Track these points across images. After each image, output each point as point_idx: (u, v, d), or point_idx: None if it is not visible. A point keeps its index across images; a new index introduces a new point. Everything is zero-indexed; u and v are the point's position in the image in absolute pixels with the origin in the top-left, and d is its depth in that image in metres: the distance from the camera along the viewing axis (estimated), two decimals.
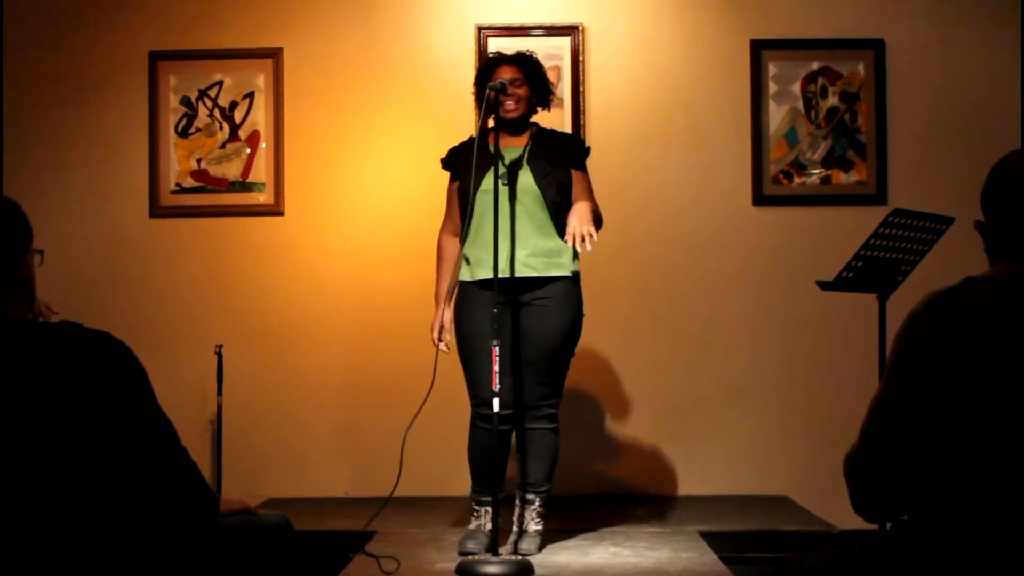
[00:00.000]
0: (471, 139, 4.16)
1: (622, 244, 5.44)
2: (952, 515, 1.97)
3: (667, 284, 5.51)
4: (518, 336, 4.05)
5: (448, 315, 4.10)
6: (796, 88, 5.51)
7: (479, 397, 4.06)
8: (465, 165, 4.02)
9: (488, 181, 3.99)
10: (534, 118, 4.24)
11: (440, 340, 4.10)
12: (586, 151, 4.24)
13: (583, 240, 3.88)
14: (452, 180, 4.23)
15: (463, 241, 4.07)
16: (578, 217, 3.95)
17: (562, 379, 4.15)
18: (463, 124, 4.28)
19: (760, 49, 5.52)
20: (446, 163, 4.25)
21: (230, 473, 5.26)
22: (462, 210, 4.06)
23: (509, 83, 4.08)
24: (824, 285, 4.23)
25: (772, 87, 5.52)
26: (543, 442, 4.11)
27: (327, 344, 5.52)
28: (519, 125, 4.17)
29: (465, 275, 4.10)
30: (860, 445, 2.08)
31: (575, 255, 4.10)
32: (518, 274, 4.00)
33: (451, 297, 4.15)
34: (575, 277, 4.12)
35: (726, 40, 5.54)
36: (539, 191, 4.05)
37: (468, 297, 4.07)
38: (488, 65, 4.23)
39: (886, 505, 2.07)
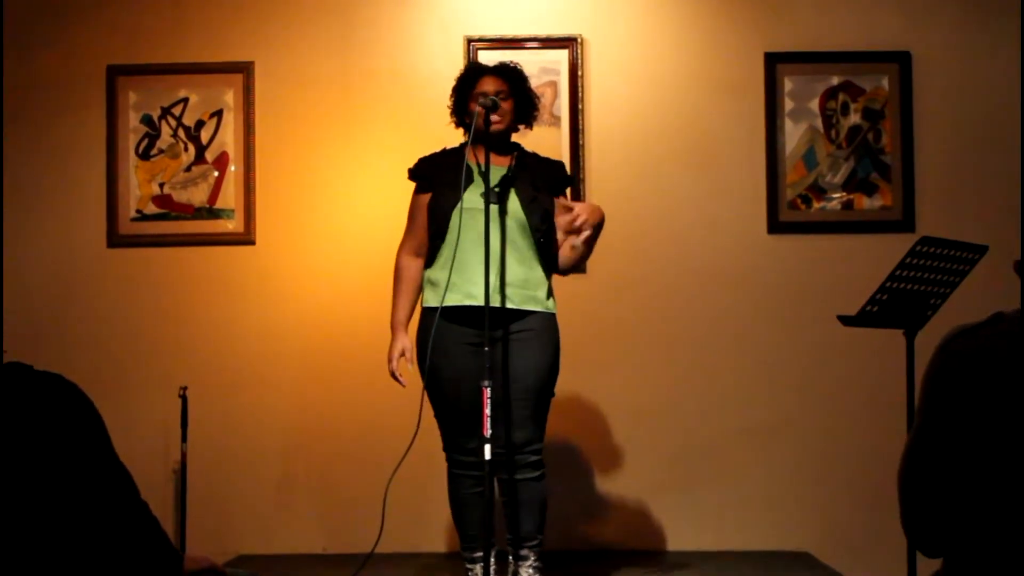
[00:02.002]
0: (444, 151, 4.18)
1: (625, 275, 5.44)
2: (988, 557, 1.98)
3: (674, 319, 5.48)
4: (495, 373, 3.99)
5: (408, 343, 4.06)
6: (815, 105, 5.51)
7: (456, 443, 4.02)
8: (441, 178, 3.98)
9: (472, 198, 3.97)
10: (514, 137, 4.24)
11: (399, 373, 4.07)
12: (572, 180, 4.21)
13: (579, 232, 3.94)
14: (419, 192, 4.18)
15: (430, 262, 4.04)
16: (590, 210, 3.99)
17: (545, 420, 4.10)
18: (447, 142, 4.27)
19: (775, 63, 5.52)
20: (416, 174, 4.20)
21: (195, 528, 5.22)
22: (434, 227, 4.02)
23: (494, 95, 4.07)
24: (846, 320, 4.21)
25: (788, 104, 5.52)
26: (531, 492, 4.06)
27: (303, 386, 5.49)
28: (502, 142, 4.16)
29: (431, 300, 4.03)
30: (899, 493, 2.10)
31: (550, 292, 4.10)
32: (494, 303, 3.95)
33: (408, 323, 4.12)
34: (552, 314, 4.10)
35: (738, 53, 5.54)
36: (524, 217, 4.04)
37: (435, 328, 3.95)
38: (468, 75, 4.22)
39: (936, 541, 2.08)
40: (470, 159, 4.00)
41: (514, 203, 4.04)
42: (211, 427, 5.40)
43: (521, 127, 4.26)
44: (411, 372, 4.08)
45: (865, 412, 5.39)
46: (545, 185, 4.16)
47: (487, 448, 3.74)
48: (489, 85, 4.12)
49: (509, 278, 3.99)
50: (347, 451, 5.47)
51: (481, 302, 3.89)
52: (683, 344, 5.48)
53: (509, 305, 3.98)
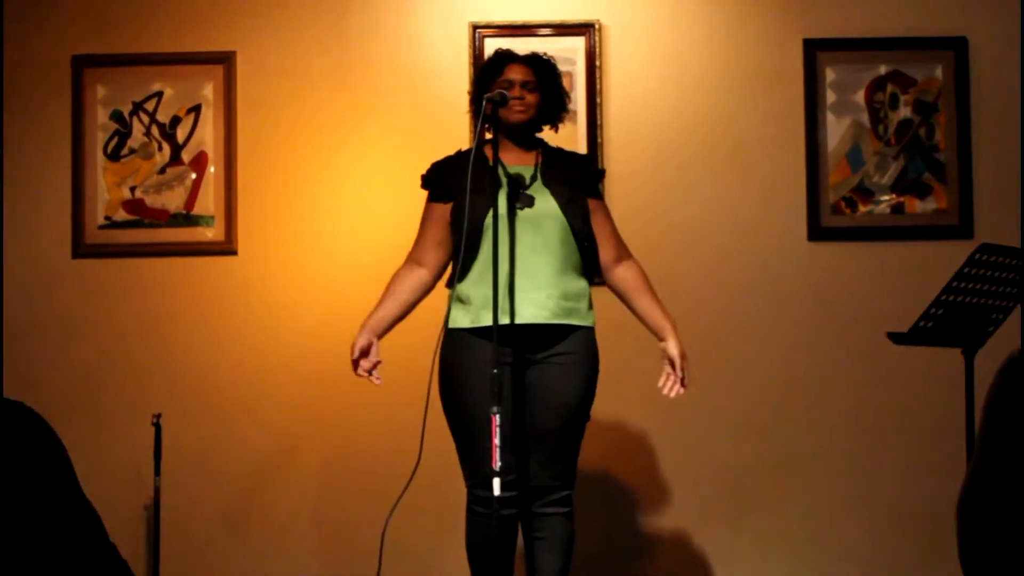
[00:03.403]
0: (459, 153, 4.18)
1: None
2: None
3: (703, 335, 5.36)
4: (525, 400, 4.00)
5: (367, 341, 4.07)
6: (860, 97, 5.50)
7: (479, 476, 3.98)
8: (463, 183, 3.91)
9: (501, 205, 3.96)
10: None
11: (367, 371, 4.08)
12: (602, 174, 4.29)
13: (671, 389, 4.04)
14: (434, 200, 4.18)
15: (458, 277, 4.04)
16: (681, 355, 4.04)
17: (577, 453, 4.12)
18: (458, 143, 4.36)
19: (815, 50, 5.50)
20: (431, 180, 4.19)
21: (169, 570, 5.19)
22: (463, 239, 3.97)
23: (520, 84, 4.09)
24: (897, 337, 4.22)
25: (831, 96, 5.51)
26: (557, 530, 4.06)
27: (288, 411, 5.49)
28: (526, 136, 4.17)
29: (462, 321, 4.04)
30: (957, 528, 2.10)
31: (591, 303, 4.12)
32: (533, 320, 3.95)
33: (383, 332, 4.13)
34: (592, 330, 4.12)
35: (774, 40, 5.53)
36: (564, 218, 4.04)
37: (466, 350, 4.00)
38: (494, 62, 4.22)
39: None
40: (491, 160, 3.99)
41: (550, 204, 4.05)
42: (188, 459, 5.37)
43: (545, 127, 4.25)
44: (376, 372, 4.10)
45: (918, 440, 5.38)
46: (578, 183, 4.16)
47: (496, 483, 3.72)
48: (516, 73, 4.13)
49: (550, 291, 4.00)
50: (341, 484, 5.46)
51: (528, 319, 3.94)
52: (713, 363, 5.41)
53: (554, 320, 3.99)
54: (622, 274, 4.18)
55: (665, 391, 4.05)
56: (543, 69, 4.19)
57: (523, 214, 3.98)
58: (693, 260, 5.51)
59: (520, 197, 3.99)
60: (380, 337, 4.13)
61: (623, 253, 4.21)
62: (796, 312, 5.50)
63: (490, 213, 3.94)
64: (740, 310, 5.50)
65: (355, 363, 4.09)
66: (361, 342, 4.08)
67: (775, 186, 5.52)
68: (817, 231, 5.50)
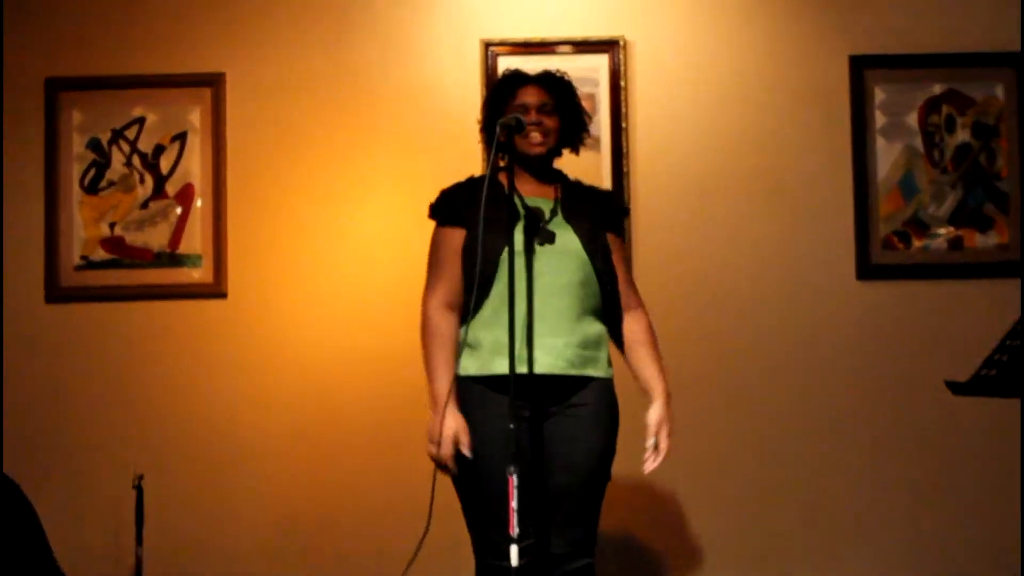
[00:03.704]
0: (471, 180, 4.10)
1: (682, 330, 5.34)
2: None
3: (741, 385, 5.44)
4: (542, 458, 3.93)
5: (463, 422, 3.87)
6: (912, 120, 5.46)
7: (492, 544, 3.88)
8: (477, 213, 3.82)
9: (519, 240, 3.90)
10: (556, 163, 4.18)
11: (451, 455, 3.86)
12: (626, 211, 4.24)
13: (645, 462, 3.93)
14: (446, 224, 4.08)
15: (469, 317, 3.95)
16: (667, 427, 3.96)
17: (597, 517, 4.03)
18: (468, 172, 4.27)
19: (863, 68, 5.46)
20: (441, 209, 4.10)
21: None
22: (471, 273, 3.91)
23: (536, 109, 4.02)
24: (956, 387, 4.06)
25: (880, 119, 5.47)
26: None
27: (282, 472, 5.43)
28: (544, 167, 4.11)
29: (471, 368, 3.94)
30: None
31: (608, 353, 4.04)
32: (550, 370, 3.88)
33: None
34: (611, 380, 4.04)
35: (817, 57, 5.50)
36: (587, 258, 3.98)
37: (478, 402, 3.91)
38: (505, 84, 4.15)
39: None
40: (507, 189, 3.91)
41: (572, 241, 3.98)
42: (172, 524, 5.31)
43: (565, 151, 4.18)
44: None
45: (977, 499, 5.31)
46: (600, 219, 4.10)
47: (513, 550, 3.61)
48: (530, 96, 4.06)
49: (570, 337, 3.94)
50: (344, 551, 5.38)
51: (544, 369, 3.87)
52: (753, 416, 5.42)
53: (572, 371, 3.92)
54: (627, 325, 4.11)
55: (644, 467, 3.95)
56: (560, 89, 4.12)
57: (541, 251, 3.92)
58: (730, 303, 5.46)
59: (540, 232, 3.93)
60: None
61: (632, 301, 4.13)
62: (843, 359, 5.43)
63: (506, 248, 3.84)
64: (782, 356, 5.44)
65: (443, 446, 3.87)
66: (456, 424, 3.87)
67: (820, 219, 5.46)
68: (866, 269, 5.43)
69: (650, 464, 3.93)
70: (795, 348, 5.44)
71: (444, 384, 3.90)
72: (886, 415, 5.42)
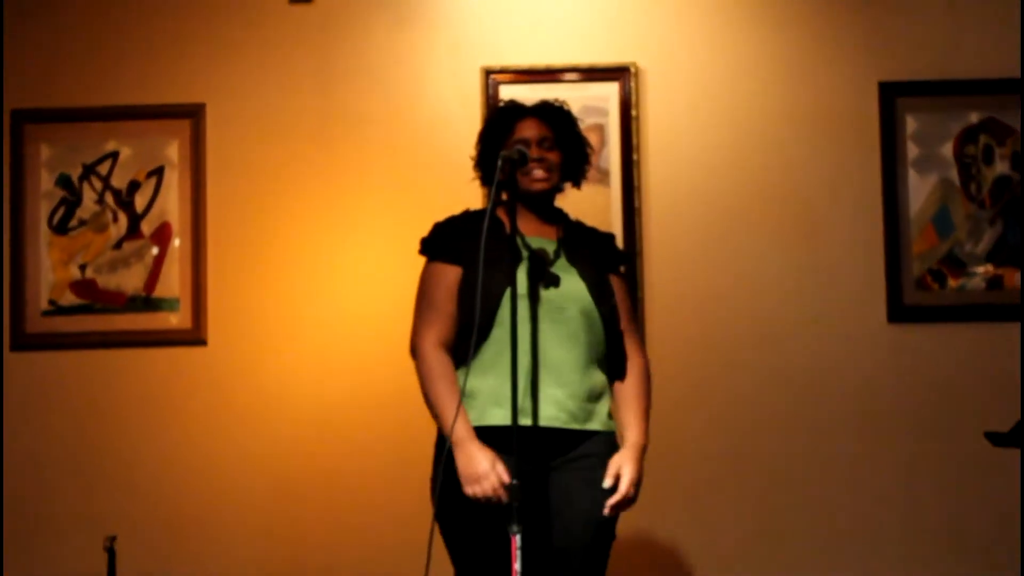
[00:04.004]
0: (467, 213, 4.05)
1: (699, 380, 5.40)
2: None
3: (764, 438, 5.42)
4: (545, 516, 3.87)
5: (487, 449, 3.78)
6: (947, 150, 5.46)
7: None
8: (474, 251, 3.76)
9: (521, 282, 3.84)
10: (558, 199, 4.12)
11: (497, 485, 3.76)
12: (628, 259, 4.21)
13: (615, 505, 3.85)
14: (439, 259, 4.01)
15: (463, 363, 3.89)
16: (630, 474, 3.87)
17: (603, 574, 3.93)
18: (462, 208, 4.23)
19: (894, 95, 5.46)
20: (435, 244, 4.02)
21: None
22: (467, 315, 3.85)
23: (537, 143, 3.95)
24: (997, 438, 4.12)
25: (913, 150, 5.47)
26: None
27: (265, 532, 5.40)
28: (546, 205, 4.05)
29: (470, 418, 3.87)
30: None
31: (609, 405, 4.00)
32: (551, 423, 3.85)
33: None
34: (613, 433, 3.99)
35: (845, 84, 5.50)
36: (592, 303, 3.93)
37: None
38: (500, 117, 4.09)
39: None
40: (507, 227, 3.89)
41: (577, 286, 3.93)
42: None
43: (567, 186, 4.13)
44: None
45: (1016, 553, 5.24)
46: (603, 263, 4.07)
47: None
48: (529, 130, 4.00)
49: (572, 388, 3.90)
50: None
51: (546, 422, 3.83)
52: (776, 470, 5.41)
53: (575, 425, 3.90)
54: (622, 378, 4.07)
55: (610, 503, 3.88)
56: (560, 121, 4.07)
57: (545, 295, 3.86)
58: (750, 349, 5.45)
59: (545, 275, 3.87)
60: None
61: (632, 348, 4.08)
62: (874, 408, 5.43)
63: (507, 291, 3.79)
64: (808, 406, 5.43)
65: (487, 478, 3.80)
66: (490, 453, 3.79)
67: (848, 258, 5.47)
68: (899, 311, 5.43)
69: (608, 506, 3.85)
70: (822, 397, 5.41)
71: (461, 421, 3.81)
72: (920, 467, 5.41)
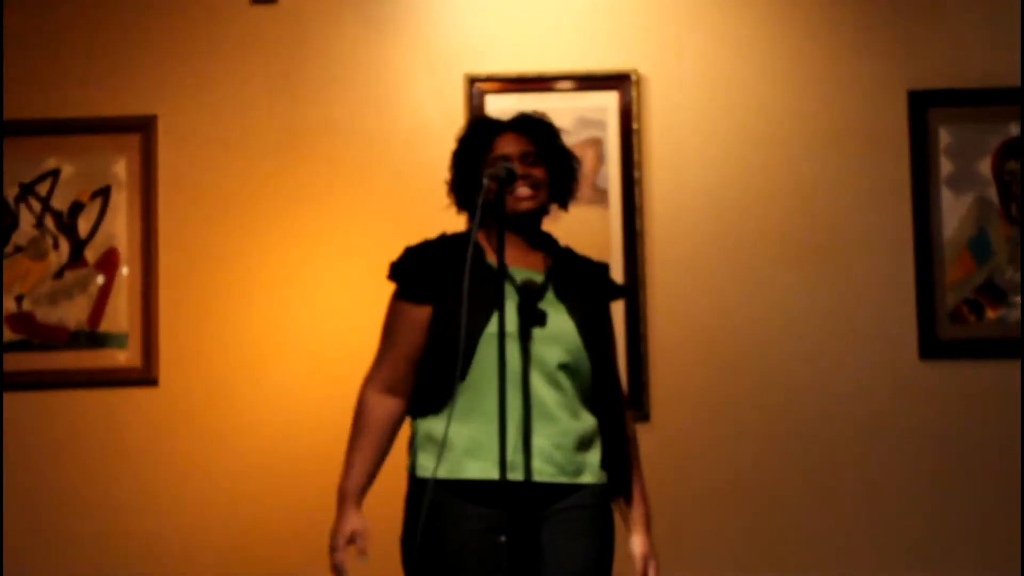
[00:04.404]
0: (443, 238, 3.97)
1: (709, 424, 5.39)
2: None
3: (780, 482, 5.37)
4: (532, 569, 3.80)
5: (362, 523, 3.83)
6: (985, 167, 5.41)
7: None
8: (448, 283, 3.78)
9: (496, 317, 3.69)
10: (547, 221, 4.06)
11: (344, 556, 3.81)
12: (625, 292, 4.29)
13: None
14: (407, 299, 3.92)
15: (429, 406, 3.85)
16: (655, 560, 3.91)
17: None
18: (456, 228, 4.20)
19: (925, 106, 5.41)
20: (403, 271, 3.92)
21: None
22: (443, 358, 3.75)
23: (519, 159, 3.80)
24: None
25: (946, 166, 5.42)
26: None
27: None
28: (532, 229, 3.91)
29: (443, 470, 3.72)
30: None
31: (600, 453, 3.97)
32: (536, 477, 3.74)
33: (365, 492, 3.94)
34: (606, 486, 3.92)
35: (870, 93, 5.46)
36: (580, 341, 3.82)
37: (447, 515, 3.76)
38: (475, 134, 3.98)
39: None
40: (488, 254, 3.82)
41: (565, 323, 3.83)
42: None
43: (552, 207, 4.00)
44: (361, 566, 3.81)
45: None
46: (594, 295, 3.95)
47: None
48: (510, 146, 3.87)
49: (559, 437, 3.79)
50: None
51: (521, 475, 3.74)
52: (793, 523, 5.36)
53: (562, 479, 3.79)
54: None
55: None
56: (542, 133, 3.95)
57: (535, 331, 3.79)
58: (767, 391, 5.41)
59: (532, 312, 3.76)
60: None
61: (622, 402, 4.07)
62: (905, 452, 5.38)
63: (485, 330, 3.76)
64: (833, 453, 5.38)
65: (336, 549, 3.85)
66: (353, 524, 3.82)
67: (875, 287, 5.43)
68: (932, 345, 5.37)
69: None
70: (849, 441, 5.37)
71: (355, 478, 3.88)
72: (955, 515, 5.35)
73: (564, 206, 4.04)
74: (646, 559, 3.88)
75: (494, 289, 3.70)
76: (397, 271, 3.95)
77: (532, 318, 3.78)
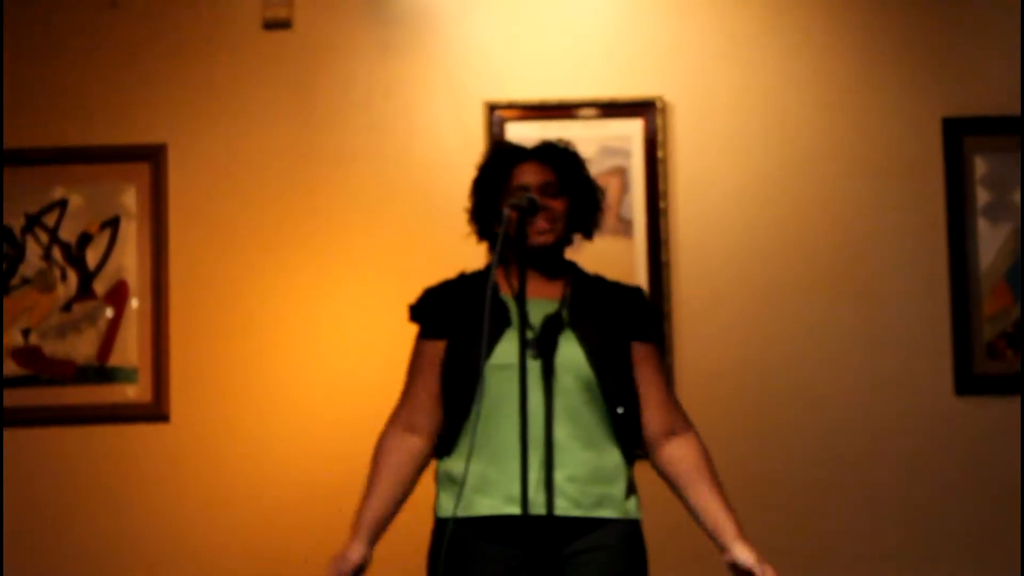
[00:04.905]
0: (462, 276, 3.98)
1: (736, 460, 5.00)
2: None
3: (813, 523, 5.34)
4: None
5: (361, 557, 3.88)
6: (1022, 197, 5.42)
7: None
8: (462, 320, 3.80)
9: (507, 351, 3.67)
10: (568, 252, 3.98)
11: None
12: (659, 314, 4.09)
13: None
14: (427, 337, 3.94)
15: (447, 448, 3.85)
16: (759, 562, 3.74)
17: None
18: (467, 264, 4.15)
19: (960, 134, 5.38)
20: (421, 312, 3.93)
21: None
22: (453, 393, 3.83)
23: (539, 189, 3.76)
24: None
25: (983, 196, 5.41)
26: None
27: None
28: (551, 260, 3.86)
29: (449, 507, 3.74)
30: None
31: (632, 487, 3.86)
32: (545, 511, 3.69)
33: (381, 532, 3.93)
34: (637, 522, 3.86)
35: (903, 121, 5.45)
36: (591, 373, 3.76)
37: (462, 550, 3.75)
38: (497, 160, 3.96)
39: None
40: (503, 289, 3.80)
41: (574, 353, 3.79)
42: None
43: (576, 237, 3.96)
44: None
45: None
46: (618, 323, 3.86)
47: None
48: (530, 175, 3.84)
49: (570, 470, 3.74)
50: None
51: (538, 509, 3.69)
52: (837, 563, 5.31)
53: (578, 512, 3.72)
54: (674, 453, 3.91)
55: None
56: (565, 163, 3.91)
57: (536, 366, 3.74)
58: (798, 429, 5.39)
59: (529, 343, 3.70)
60: (376, 541, 3.90)
61: (678, 423, 3.93)
62: (941, 493, 5.34)
63: (489, 363, 3.76)
64: (867, 495, 5.35)
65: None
66: (354, 556, 3.79)
67: (908, 321, 5.42)
68: (968, 381, 5.33)
69: None
70: (883, 482, 5.35)
71: (365, 512, 3.90)
72: (994, 554, 5.31)
73: (588, 236, 4.02)
74: (760, 564, 3.75)
75: (501, 322, 3.73)
76: (416, 312, 3.97)
77: (533, 349, 3.74)
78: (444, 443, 3.86)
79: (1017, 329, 5.36)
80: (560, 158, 3.92)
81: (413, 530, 3.95)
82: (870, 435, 5.34)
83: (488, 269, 3.74)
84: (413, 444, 3.89)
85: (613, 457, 3.80)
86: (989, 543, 5.31)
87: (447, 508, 3.75)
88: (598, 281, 3.99)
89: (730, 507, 3.87)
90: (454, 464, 3.80)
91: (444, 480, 3.82)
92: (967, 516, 5.32)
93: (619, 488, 3.81)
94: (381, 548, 3.91)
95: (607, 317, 3.90)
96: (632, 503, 3.83)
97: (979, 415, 5.32)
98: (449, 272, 3.99)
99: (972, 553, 5.32)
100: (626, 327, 3.92)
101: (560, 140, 3.99)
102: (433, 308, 3.94)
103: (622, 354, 3.88)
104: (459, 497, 3.78)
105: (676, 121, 5.44)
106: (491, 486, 3.72)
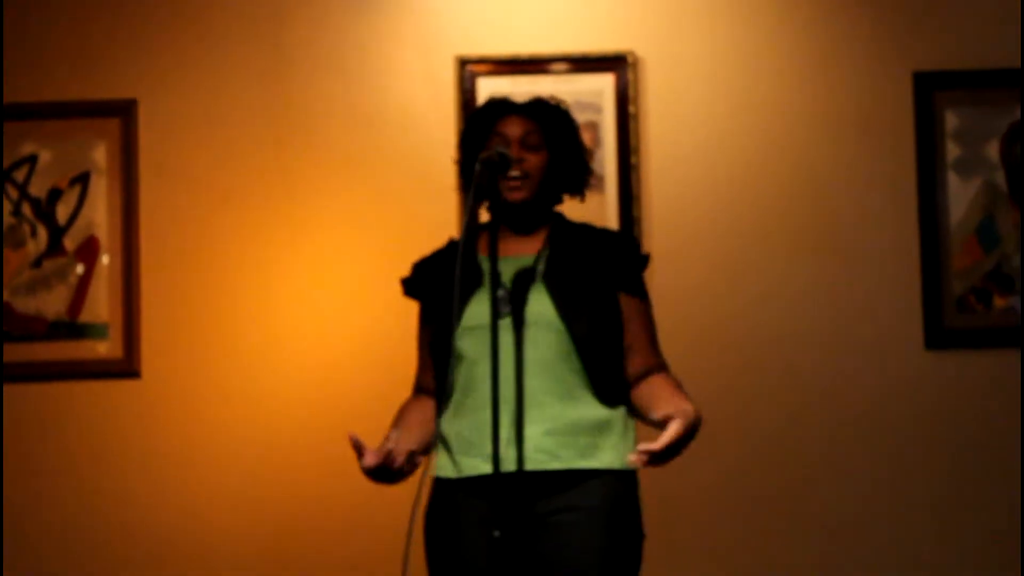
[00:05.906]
0: (450, 243, 4.01)
1: (709, 415, 4.94)
2: None
3: (784, 476, 5.36)
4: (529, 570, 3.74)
5: (398, 439, 3.82)
6: (992, 151, 5.37)
7: None
8: (441, 288, 3.79)
9: (478, 312, 3.71)
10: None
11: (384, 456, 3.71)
12: (644, 261, 4.00)
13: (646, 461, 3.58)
14: (423, 316, 4.00)
15: (440, 410, 3.80)
16: (678, 431, 3.58)
17: None
18: (441, 221, 4.31)
19: (931, 89, 5.38)
20: (413, 287, 3.97)
21: None
22: (435, 359, 3.84)
23: (519, 142, 3.76)
24: None
25: (953, 150, 5.39)
26: None
27: None
28: (529, 215, 3.86)
29: (446, 470, 3.77)
30: None
31: (625, 439, 3.80)
32: (529, 466, 3.68)
33: (412, 462, 3.83)
34: (628, 475, 3.78)
35: (874, 75, 5.44)
36: (562, 324, 3.73)
37: (450, 508, 3.78)
38: (483, 114, 3.93)
39: None
40: (482, 251, 3.80)
41: (544, 306, 3.75)
42: None
43: (566, 196, 3.97)
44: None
45: None
46: (599, 273, 3.85)
47: None
48: (513, 127, 3.81)
49: (550, 423, 3.73)
50: None
51: (512, 465, 3.72)
52: (798, 516, 5.34)
53: (556, 465, 3.73)
54: (646, 388, 3.89)
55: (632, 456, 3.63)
56: (550, 117, 3.88)
57: (504, 325, 3.73)
58: (767, 382, 5.39)
59: (501, 299, 3.75)
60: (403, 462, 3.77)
61: (654, 366, 3.91)
62: (910, 446, 5.36)
63: (461, 324, 3.81)
64: (834, 446, 5.36)
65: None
66: (394, 442, 3.76)
67: (879, 276, 5.42)
68: (938, 335, 5.34)
69: (640, 457, 3.56)
70: (851, 435, 5.35)
71: (393, 429, 3.88)
72: (961, 511, 5.36)
73: (579, 194, 3.99)
74: (674, 435, 3.57)
75: (473, 284, 3.76)
76: (408, 286, 4.03)
77: (506, 305, 3.77)
78: (437, 406, 3.91)
79: (987, 283, 5.35)
80: (545, 113, 3.91)
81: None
82: (839, 389, 5.36)
83: (467, 227, 3.68)
84: (425, 402, 3.93)
85: (594, 408, 3.80)
86: (956, 496, 5.34)
87: (440, 467, 3.81)
88: (583, 230, 3.98)
89: (690, 405, 3.77)
90: (441, 425, 3.84)
91: (438, 441, 3.85)
92: (936, 469, 5.34)
93: (607, 439, 3.80)
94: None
95: (586, 267, 3.89)
96: (618, 455, 3.81)
97: (949, 369, 5.34)
98: (418, 220, 4.03)
99: (940, 506, 5.35)
100: (607, 275, 3.91)
101: (552, 97, 3.98)
102: (421, 281, 3.99)
103: (601, 303, 3.87)
104: (441, 458, 3.82)
105: (647, 76, 5.43)
106: (471, 447, 3.74)
